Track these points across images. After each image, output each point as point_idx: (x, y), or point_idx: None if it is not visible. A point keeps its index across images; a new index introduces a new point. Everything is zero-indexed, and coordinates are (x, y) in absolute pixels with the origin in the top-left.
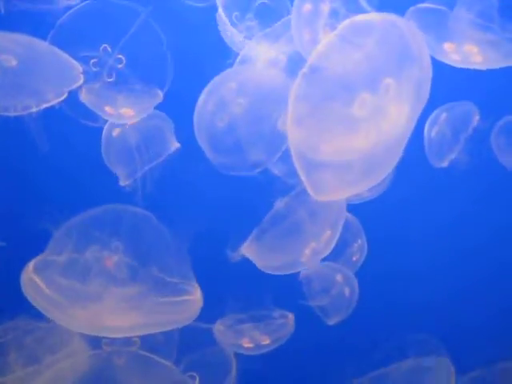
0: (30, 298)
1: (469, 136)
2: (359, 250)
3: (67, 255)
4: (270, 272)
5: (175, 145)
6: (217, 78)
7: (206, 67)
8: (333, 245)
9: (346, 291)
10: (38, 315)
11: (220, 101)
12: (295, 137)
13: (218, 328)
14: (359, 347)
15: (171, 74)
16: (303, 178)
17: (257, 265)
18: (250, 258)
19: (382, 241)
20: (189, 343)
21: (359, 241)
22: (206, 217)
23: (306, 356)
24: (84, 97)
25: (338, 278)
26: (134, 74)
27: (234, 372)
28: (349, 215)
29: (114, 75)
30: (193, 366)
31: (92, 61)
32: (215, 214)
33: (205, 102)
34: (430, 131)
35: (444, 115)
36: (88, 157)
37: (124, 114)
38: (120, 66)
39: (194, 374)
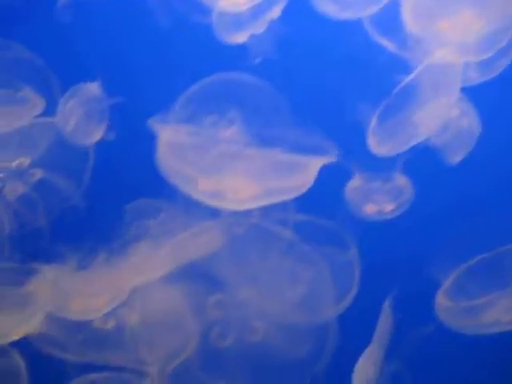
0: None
1: None
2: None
3: (184, 126)
4: (383, 154)
5: None
6: None
7: None
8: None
9: (465, 122)
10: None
11: None
12: None
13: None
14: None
15: None
16: None
17: (376, 151)
18: (372, 143)
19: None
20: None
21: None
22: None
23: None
24: None
25: (453, 112)
26: None
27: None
28: None
29: None
30: None
31: None
32: (330, 77)
33: None
34: None
35: None
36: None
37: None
38: None
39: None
